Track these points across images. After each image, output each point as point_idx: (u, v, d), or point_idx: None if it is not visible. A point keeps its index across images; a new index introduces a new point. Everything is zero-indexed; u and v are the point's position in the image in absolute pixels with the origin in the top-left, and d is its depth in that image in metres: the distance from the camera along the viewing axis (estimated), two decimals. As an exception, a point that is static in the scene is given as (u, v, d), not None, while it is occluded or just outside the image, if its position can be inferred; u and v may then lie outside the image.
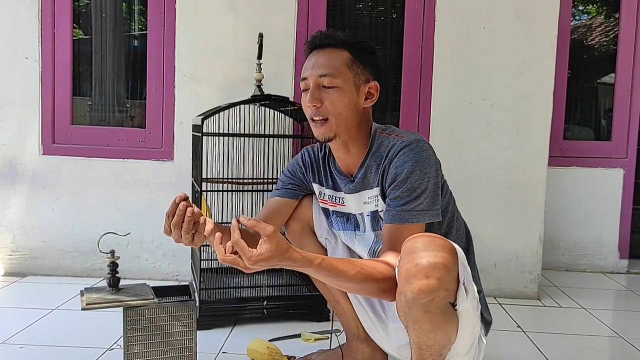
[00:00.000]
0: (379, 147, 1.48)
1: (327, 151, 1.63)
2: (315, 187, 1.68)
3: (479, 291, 1.47)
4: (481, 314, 1.48)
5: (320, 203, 1.68)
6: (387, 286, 1.30)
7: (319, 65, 1.46)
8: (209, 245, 2.40)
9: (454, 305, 1.26)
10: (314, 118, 1.47)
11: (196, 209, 1.34)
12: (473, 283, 1.35)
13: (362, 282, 1.30)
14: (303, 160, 1.69)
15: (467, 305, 1.28)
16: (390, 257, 1.34)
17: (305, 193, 1.72)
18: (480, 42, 2.64)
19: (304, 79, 1.48)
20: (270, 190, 2.47)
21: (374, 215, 1.50)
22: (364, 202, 1.51)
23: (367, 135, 1.52)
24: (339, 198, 1.59)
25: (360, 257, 1.63)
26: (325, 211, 1.67)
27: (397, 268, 1.25)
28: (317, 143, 1.69)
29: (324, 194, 1.65)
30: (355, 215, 1.56)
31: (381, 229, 1.50)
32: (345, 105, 1.45)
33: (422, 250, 1.21)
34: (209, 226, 1.36)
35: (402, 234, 1.35)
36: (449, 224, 1.50)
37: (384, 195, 1.45)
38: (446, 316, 1.25)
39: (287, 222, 1.72)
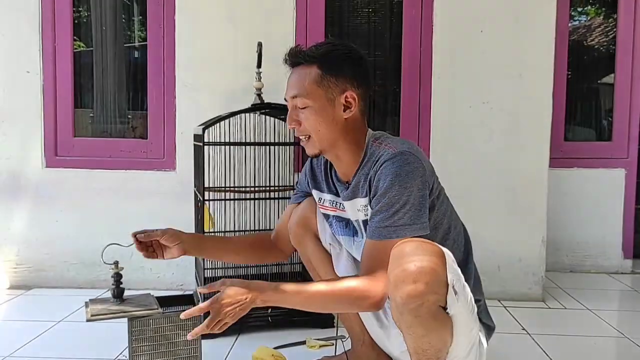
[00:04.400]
0: (370, 156, 1.47)
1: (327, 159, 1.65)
2: (315, 193, 1.69)
3: (478, 300, 1.47)
4: (481, 319, 1.49)
5: (320, 209, 1.68)
6: (352, 301, 1.34)
7: (290, 86, 1.48)
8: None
9: (445, 309, 1.27)
10: (299, 137, 1.51)
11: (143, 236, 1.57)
12: (465, 285, 1.35)
13: (326, 301, 1.36)
14: (306, 168, 1.72)
15: (460, 308, 1.29)
16: (362, 276, 1.36)
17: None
18: (479, 46, 2.65)
19: (286, 99, 1.52)
20: (273, 198, 2.49)
21: (365, 224, 1.50)
22: (357, 210, 1.51)
23: (359, 144, 1.51)
24: (339, 203, 1.60)
25: (359, 262, 1.65)
26: (326, 216, 1.68)
27: (388, 275, 1.27)
28: None
29: (324, 199, 1.65)
30: (353, 221, 1.57)
31: None
32: (321, 122, 1.45)
33: (410, 256, 1.22)
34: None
35: (379, 251, 1.34)
36: (444, 236, 1.48)
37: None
38: (438, 320, 1.26)
39: (291, 227, 1.73)
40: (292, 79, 1.48)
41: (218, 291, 1.29)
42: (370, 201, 1.45)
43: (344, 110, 1.47)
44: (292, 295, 1.32)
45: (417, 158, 1.39)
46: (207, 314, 1.29)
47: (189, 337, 1.30)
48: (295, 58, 1.48)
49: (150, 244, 1.57)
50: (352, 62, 1.48)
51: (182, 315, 1.29)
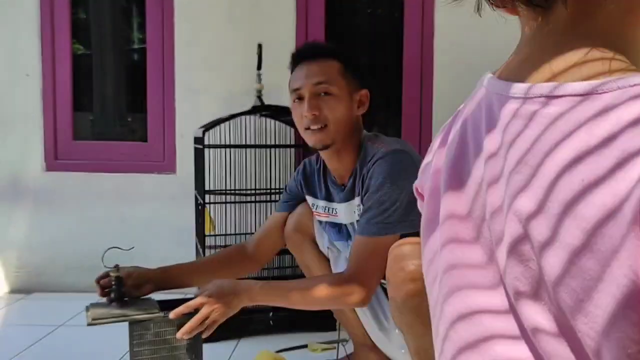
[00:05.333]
0: (365, 155, 1.49)
1: (321, 162, 1.64)
2: (309, 199, 1.69)
3: None
4: None
5: (314, 215, 1.68)
6: (333, 297, 1.36)
7: (313, 74, 1.46)
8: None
9: None
10: (311, 127, 1.47)
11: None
12: None
13: (307, 298, 1.37)
14: (298, 174, 1.72)
15: None
16: (349, 272, 1.38)
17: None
18: (481, 46, 2.64)
19: (297, 89, 1.49)
20: (274, 201, 2.48)
21: None
22: (353, 211, 1.52)
23: (358, 143, 1.53)
24: (332, 208, 1.60)
25: None
26: (319, 222, 1.68)
27: (386, 276, 1.28)
28: (315, 154, 1.70)
29: (317, 205, 1.65)
30: (346, 225, 1.57)
31: None
32: (343, 112, 1.47)
33: (408, 257, 1.24)
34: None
35: (367, 247, 1.36)
36: None
37: None
38: None
39: (287, 233, 1.72)
40: (313, 68, 1.47)
41: None
42: (362, 199, 1.45)
43: (358, 107, 1.51)
44: (279, 292, 1.35)
45: (410, 157, 1.41)
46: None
47: (178, 335, 1.30)
48: (316, 50, 1.50)
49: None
50: (360, 65, 1.55)
51: (171, 314, 1.30)
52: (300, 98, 1.48)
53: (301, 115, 1.48)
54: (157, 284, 1.56)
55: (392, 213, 1.36)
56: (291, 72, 1.54)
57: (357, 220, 1.50)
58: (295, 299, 1.37)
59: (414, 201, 1.37)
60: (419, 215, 1.35)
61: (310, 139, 1.49)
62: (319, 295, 1.35)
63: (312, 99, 1.46)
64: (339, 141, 1.49)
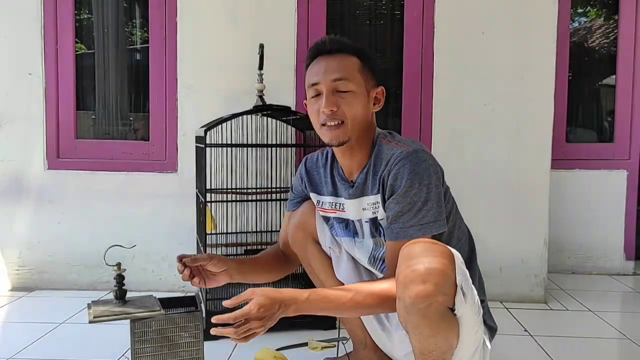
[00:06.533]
0: (378, 153, 1.47)
1: (329, 157, 1.63)
2: (313, 196, 1.68)
3: (482, 300, 1.47)
4: (484, 321, 1.48)
5: (320, 212, 1.68)
6: (386, 305, 1.33)
7: (332, 70, 1.44)
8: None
9: (453, 310, 1.27)
10: (328, 123, 1.44)
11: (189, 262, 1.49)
12: (473, 287, 1.35)
13: (359, 307, 1.34)
14: (300, 172, 1.71)
15: (467, 310, 1.28)
16: (391, 277, 1.35)
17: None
18: (480, 47, 2.66)
19: (315, 84, 1.46)
20: (274, 199, 2.49)
21: (373, 222, 1.50)
22: (363, 209, 1.50)
23: (371, 140, 1.52)
24: (339, 204, 1.59)
25: (361, 264, 1.65)
26: (326, 219, 1.67)
27: (396, 275, 1.26)
28: (318, 151, 1.70)
29: (323, 202, 1.64)
30: (353, 221, 1.56)
31: (380, 236, 1.50)
32: (360, 109, 1.45)
33: (420, 256, 1.22)
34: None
35: None
36: (449, 234, 1.48)
37: (384, 203, 1.44)
38: (445, 321, 1.26)
39: (290, 231, 1.72)
40: (332, 64, 1.45)
41: (246, 302, 1.26)
42: (383, 199, 1.44)
43: (374, 105, 1.51)
44: (326, 303, 1.32)
45: (430, 155, 1.41)
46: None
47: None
48: (337, 45, 1.47)
49: (195, 269, 1.51)
50: (375, 63, 1.53)
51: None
52: (318, 94, 1.46)
53: (318, 110, 1.45)
54: (232, 274, 1.53)
55: (425, 213, 1.36)
56: (307, 66, 1.52)
57: (372, 219, 1.48)
58: (346, 309, 1.35)
59: (441, 198, 1.37)
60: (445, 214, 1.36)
61: (326, 136, 1.47)
62: (371, 304, 1.34)
63: (331, 95, 1.44)
64: (355, 137, 1.47)
